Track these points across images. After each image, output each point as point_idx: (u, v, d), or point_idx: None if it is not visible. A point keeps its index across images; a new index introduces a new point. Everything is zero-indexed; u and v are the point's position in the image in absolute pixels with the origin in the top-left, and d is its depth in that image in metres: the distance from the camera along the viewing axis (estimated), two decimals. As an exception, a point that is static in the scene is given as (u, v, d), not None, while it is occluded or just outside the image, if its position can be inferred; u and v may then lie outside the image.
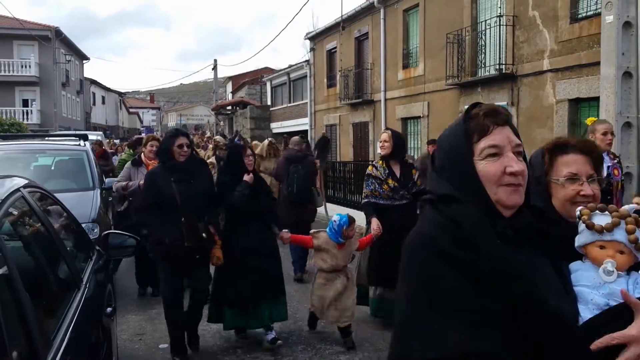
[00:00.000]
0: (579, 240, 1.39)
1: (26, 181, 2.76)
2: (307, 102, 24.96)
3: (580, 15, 10.23)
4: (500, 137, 1.32)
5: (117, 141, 25.25)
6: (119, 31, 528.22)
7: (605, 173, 5.85)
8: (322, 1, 34.59)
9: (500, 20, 11.85)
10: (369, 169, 5.47)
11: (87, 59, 47.38)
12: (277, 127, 29.07)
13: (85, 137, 7.87)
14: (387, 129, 5.65)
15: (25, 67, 36.11)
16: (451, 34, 13.43)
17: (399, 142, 5.39)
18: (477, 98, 12.98)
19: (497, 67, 11.94)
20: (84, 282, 2.88)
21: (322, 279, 4.93)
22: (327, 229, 4.92)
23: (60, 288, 2.62)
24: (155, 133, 35.09)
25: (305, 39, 24.76)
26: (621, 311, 1.25)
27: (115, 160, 14.76)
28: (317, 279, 4.99)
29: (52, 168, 7.38)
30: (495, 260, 1.21)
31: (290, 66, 29.01)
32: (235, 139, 13.61)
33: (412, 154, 14.84)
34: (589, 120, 5.32)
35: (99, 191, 6.70)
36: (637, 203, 6.67)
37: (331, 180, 13.83)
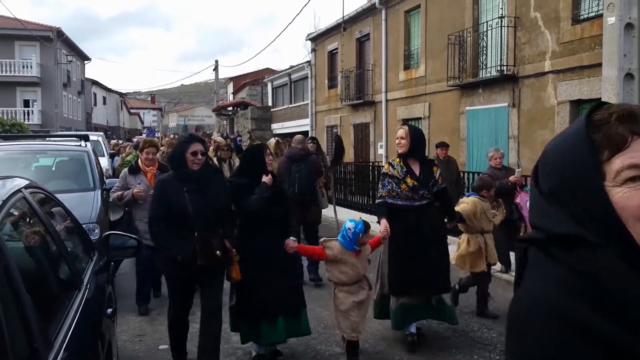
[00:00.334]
0: None
1: (27, 182, 2.76)
2: (308, 103, 24.96)
3: (582, 17, 10.22)
4: None
5: (120, 141, 25.25)
6: (120, 32, 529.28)
7: None
8: (324, 2, 34.61)
9: (501, 21, 11.85)
10: (385, 168, 5.09)
11: (88, 59, 47.41)
12: (278, 128, 29.08)
13: (86, 138, 7.87)
14: (403, 124, 5.27)
15: (27, 67, 36.14)
16: (453, 35, 13.43)
17: (417, 137, 4.99)
18: (479, 99, 12.97)
19: (499, 68, 11.93)
20: (84, 283, 2.88)
21: (342, 293, 4.51)
22: (339, 237, 4.51)
23: (61, 289, 2.62)
24: (156, 134, 35.15)
25: (307, 39, 24.78)
26: None
27: (117, 161, 14.78)
28: (337, 294, 4.53)
29: (53, 169, 7.38)
30: None
31: (291, 67, 29.03)
32: (237, 140, 13.55)
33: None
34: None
35: (99, 192, 6.69)
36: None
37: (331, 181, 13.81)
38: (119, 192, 5.94)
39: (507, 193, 6.88)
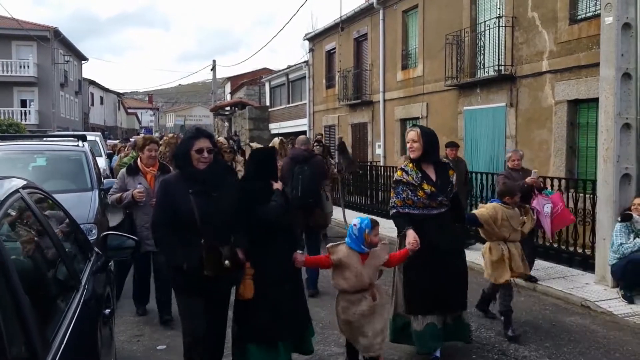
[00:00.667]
0: None
1: (25, 182, 2.76)
2: (306, 103, 24.96)
3: (579, 17, 10.24)
4: None
5: (115, 142, 25.20)
6: (118, 32, 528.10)
7: None
8: (321, 2, 34.60)
9: (499, 21, 11.85)
10: (398, 174, 4.63)
11: (85, 59, 47.37)
12: (276, 127, 29.07)
13: (83, 138, 7.86)
14: (414, 126, 4.76)
15: (24, 67, 36.07)
16: (450, 35, 13.44)
17: (430, 140, 4.59)
18: (476, 99, 12.99)
19: (496, 68, 11.94)
20: (82, 284, 2.87)
21: (344, 302, 4.14)
22: (347, 238, 4.15)
23: (59, 289, 2.61)
24: (154, 134, 35.07)
25: (304, 39, 24.77)
26: None
27: (115, 161, 14.75)
28: (340, 302, 4.19)
29: (51, 169, 7.36)
30: None
31: (289, 67, 29.02)
32: (238, 140, 13.41)
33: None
34: None
35: (97, 192, 6.68)
36: (637, 204, 6.60)
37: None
38: (118, 195, 5.59)
39: (522, 196, 6.41)
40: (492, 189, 9.30)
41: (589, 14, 9.97)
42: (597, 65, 7.36)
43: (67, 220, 3.47)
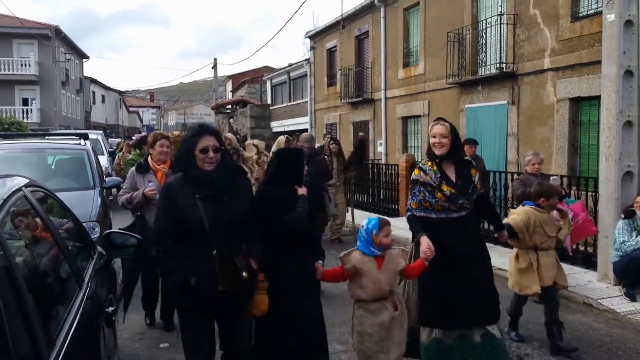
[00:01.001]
0: None
1: (27, 180, 2.76)
2: (307, 101, 24.96)
3: (581, 14, 10.22)
4: None
5: (117, 140, 25.24)
6: (119, 30, 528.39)
7: None
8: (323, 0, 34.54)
9: (501, 18, 11.84)
10: (415, 173, 4.15)
11: (86, 57, 47.39)
12: (277, 126, 29.07)
13: (85, 136, 7.87)
14: (439, 119, 4.18)
15: (25, 65, 36.14)
16: (452, 32, 13.42)
17: (457, 135, 4.15)
18: (478, 97, 12.98)
19: (498, 65, 11.93)
20: (85, 282, 2.88)
21: (362, 311, 3.72)
22: (357, 242, 3.79)
23: (62, 287, 2.62)
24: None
25: (306, 37, 24.76)
26: None
27: (116, 158, 14.76)
28: (356, 312, 3.76)
29: (53, 167, 7.38)
30: None
31: (290, 65, 29.03)
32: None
33: (412, 153, 14.84)
34: None
35: (99, 190, 6.70)
36: (639, 202, 6.56)
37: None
38: (127, 195, 5.18)
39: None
40: (505, 188, 8.94)
41: (590, 11, 9.96)
42: (599, 62, 7.34)
43: (70, 218, 3.48)
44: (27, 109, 36.09)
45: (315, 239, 3.88)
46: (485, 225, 6.60)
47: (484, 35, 12.73)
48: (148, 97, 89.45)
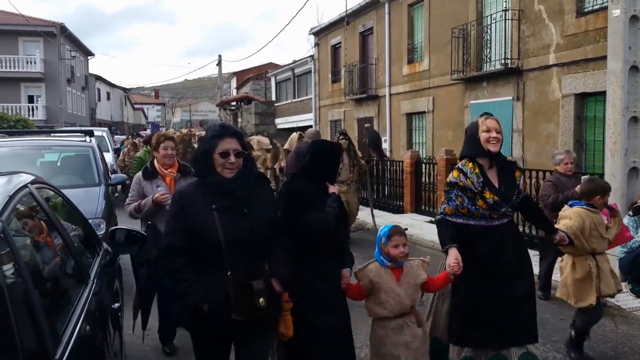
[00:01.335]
0: None
1: (33, 177, 2.78)
2: (311, 98, 24.94)
3: (586, 9, 10.17)
4: None
5: (123, 137, 25.30)
6: (124, 27, 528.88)
7: None
8: (327, -4, 34.52)
9: (505, 14, 11.79)
10: (454, 175, 3.62)
11: (91, 55, 47.52)
12: (282, 122, 29.09)
13: (90, 133, 7.90)
14: (487, 113, 3.76)
15: (31, 63, 36.26)
16: (456, 28, 13.38)
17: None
18: (483, 93, 12.94)
19: (503, 61, 11.88)
20: (91, 278, 2.90)
21: (382, 330, 3.36)
22: (375, 252, 3.44)
23: (68, 284, 2.64)
24: (160, 129, 35.18)
25: (310, 34, 24.73)
26: None
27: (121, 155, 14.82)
28: (376, 331, 3.42)
29: (58, 164, 7.41)
30: None
31: (294, 61, 29.00)
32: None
33: (417, 150, 14.82)
34: None
35: (104, 187, 6.72)
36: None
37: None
38: (135, 203, 4.74)
39: None
40: (537, 187, 8.30)
41: (596, 7, 9.91)
42: (604, 58, 7.31)
43: (76, 215, 3.49)
44: (32, 106, 36.21)
45: (342, 242, 3.53)
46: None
47: (489, 31, 12.68)
48: (153, 94, 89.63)
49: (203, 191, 2.88)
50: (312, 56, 25.16)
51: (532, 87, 11.45)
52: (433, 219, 11.16)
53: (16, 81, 35.86)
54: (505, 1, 12.13)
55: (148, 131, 28.89)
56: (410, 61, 16.49)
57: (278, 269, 2.94)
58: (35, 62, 36.23)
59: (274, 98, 32.54)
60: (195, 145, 8.63)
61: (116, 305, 3.25)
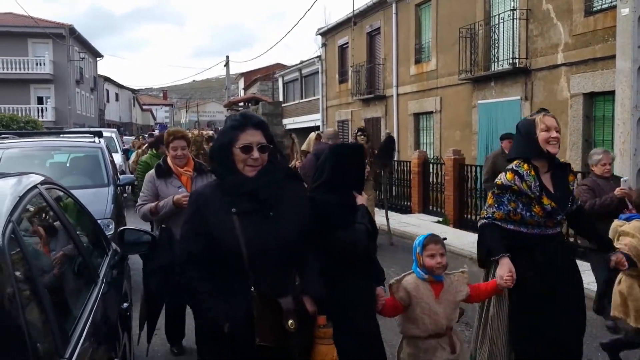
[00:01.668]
0: None
1: (43, 178, 2.80)
2: (319, 98, 24.95)
3: (595, 8, 10.12)
4: None
5: (131, 138, 25.42)
6: (132, 28, 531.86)
7: None
8: (334, -4, 34.47)
9: (513, 13, 11.75)
10: (508, 178, 3.21)
11: (100, 56, 47.73)
12: (289, 123, 29.11)
13: (99, 134, 7.95)
14: (543, 109, 3.31)
15: (40, 65, 36.51)
16: (464, 28, 13.35)
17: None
18: (491, 92, 12.90)
19: (511, 61, 11.84)
20: (100, 278, 2.92)
21: (412, 349, 3.05)
22: (413, 265, 3.13)
23: (78, 284, 2.66)
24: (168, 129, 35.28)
25: (317, 34, 24.74)
26: None
27: (132, 157, 14.90)
28: (405, 348, 3.11)
29: (68, 165, 7.47)
30: None
31: (301, 62, 29.05)
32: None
33: (425, 150, 14.79)
34: None
35: (113, 188, 6.77)
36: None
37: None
38: (151, 204, 4.33)
39: (608, 213, 4.71)
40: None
41: (604, 6, 9.86)
42: (613, 57, 7.28)
43: (85, 215, 3.52)
44: (42, 108, 36.47)
45: (373, 257, 3.08)
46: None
47: (497, 31, 12.64)
48: (161, 95, 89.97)
49: (222, 192, 2.43)
50: (319, 56, 25.17)
51: (540, 86, 11.40)
52: (440, 219, 11.16)
53: (26, 83, 36.12)
54: (513, 0, 12.10)
55: (156, 132, 29.01)
56: (418, 61, 16.47)
57: (311, 285, 2.47)
58: (44, 64, 36.47)
59: (281, 99, 32.56)
60: (207, 147, 8.58)
61: (125, 305, 3.27)
